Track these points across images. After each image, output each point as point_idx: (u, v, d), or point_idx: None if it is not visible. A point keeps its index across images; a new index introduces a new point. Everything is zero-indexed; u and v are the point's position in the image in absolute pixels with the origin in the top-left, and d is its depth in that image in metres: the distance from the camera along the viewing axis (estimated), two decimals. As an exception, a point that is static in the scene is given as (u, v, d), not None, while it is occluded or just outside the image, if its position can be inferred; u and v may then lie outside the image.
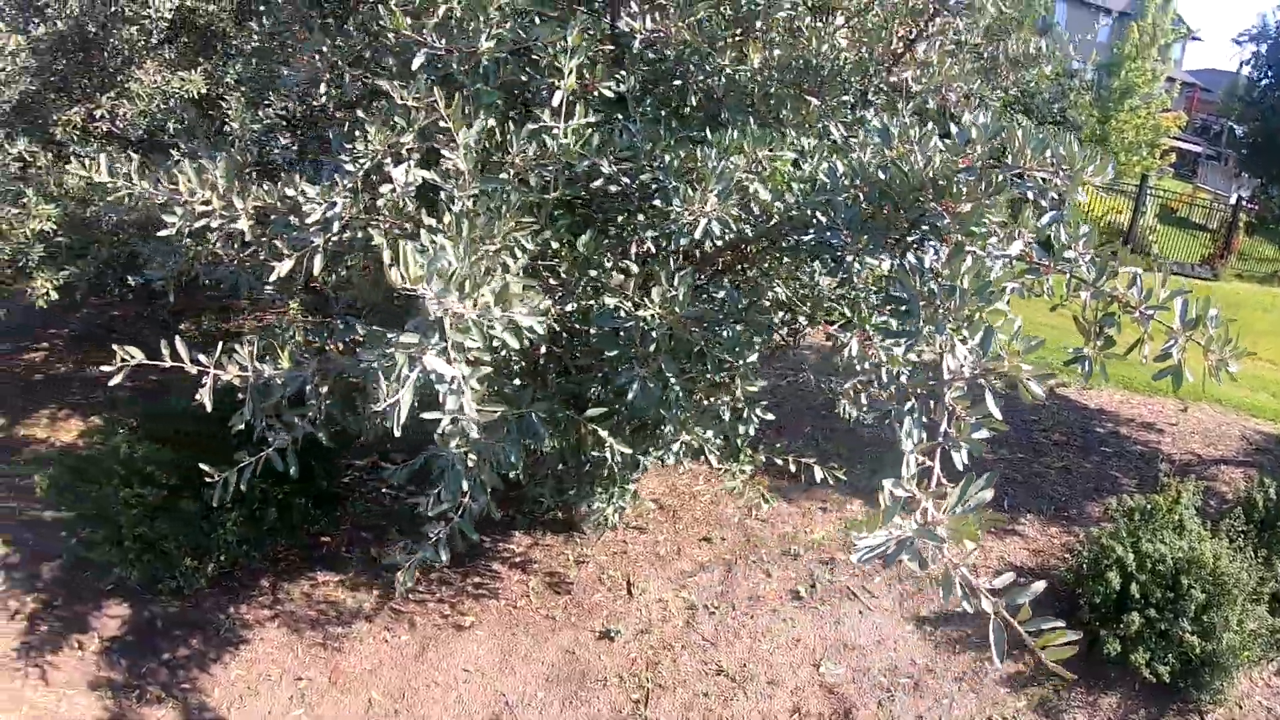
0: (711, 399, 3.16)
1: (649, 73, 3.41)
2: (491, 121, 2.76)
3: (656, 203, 2.84)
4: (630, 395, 2.60)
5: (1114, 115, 21.42)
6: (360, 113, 3.01)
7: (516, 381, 3.06)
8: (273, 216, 2.88)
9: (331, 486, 5.52)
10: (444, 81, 2.84)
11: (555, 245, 2.89)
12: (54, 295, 5.70)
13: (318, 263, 2.71)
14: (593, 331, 2.86)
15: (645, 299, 2.61)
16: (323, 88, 3.14)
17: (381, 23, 2.91)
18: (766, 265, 3.32)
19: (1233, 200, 19.27)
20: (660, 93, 3.51)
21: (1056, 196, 2.59)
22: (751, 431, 3.31)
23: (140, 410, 5.19)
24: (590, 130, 2.82)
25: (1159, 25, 21.62)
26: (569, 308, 2.88)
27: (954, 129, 2.53)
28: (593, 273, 2.85)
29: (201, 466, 3.03)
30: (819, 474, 4.08)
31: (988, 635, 1.66)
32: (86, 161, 2.91)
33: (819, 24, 3.71)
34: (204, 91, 6.01)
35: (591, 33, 3.10)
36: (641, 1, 3.41)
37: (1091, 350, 2.47)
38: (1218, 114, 36.36)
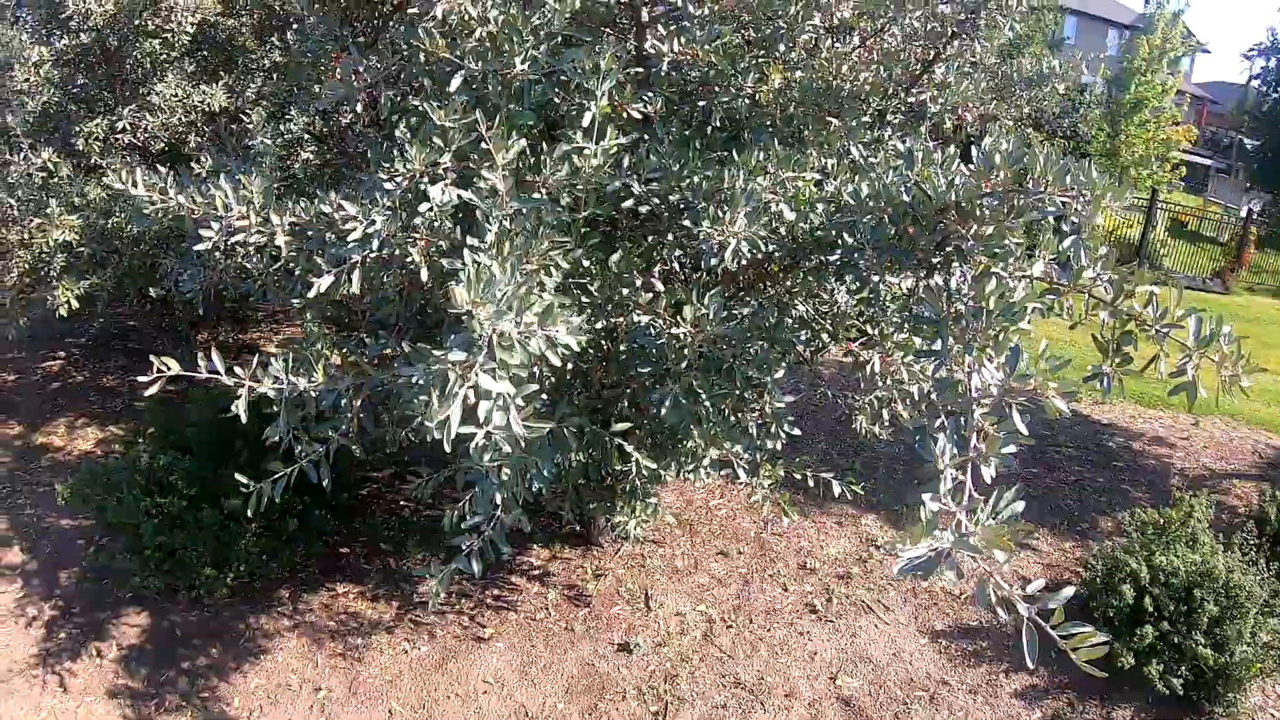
0: (740, 414, 3.22)
1: (674, 94, 3.48)
2: (524, 142, 2.82)
3: (686, 223, 2.91)
4: (662, 410, 2.65)
5: (1124, 129, 21.51)
6: (397, 131, 3.08)
7: (544, 397, 3.11)
8: (309, 233, 2.94)
9: (350, 498, 5.57)
10: (478, 102, 2.91)
11: (586, 263, 2.95)
12: (75, 305, 5.77)
13: (355, 278, 2.77)
14: (622, 348, 2.92)
15: (677, 316, 2.67)
16: (359, 107, 3.21)
17: (414, 43, 2.98)
18: (789, 283, 3.39)
19: (1243, 213, 19.35)
20: (684, 113, 3.59)
21: (1076, 221, 2.65)
22: (779, 446, 3.36)
23: (161, 419, 5.24)
24: (620, 151, 2.88)
25: (1168, 39, 21.74)
26: (599, 325, 2.94)
27: (974, 150, 2.59)
28: (624, 290, 2.91)
29: (237, 476, 3.08)
30: (837, 489, 4.13)
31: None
32: (123, 174, 2.97)
33: (838, 44, 3.78)
34: (224, 105, 6.10)
35: (620, 56, 3.17)
36: (667, 24, 3.49)
37: (1109, 367, 2.54)
38: (1229, 126, 36.46)
